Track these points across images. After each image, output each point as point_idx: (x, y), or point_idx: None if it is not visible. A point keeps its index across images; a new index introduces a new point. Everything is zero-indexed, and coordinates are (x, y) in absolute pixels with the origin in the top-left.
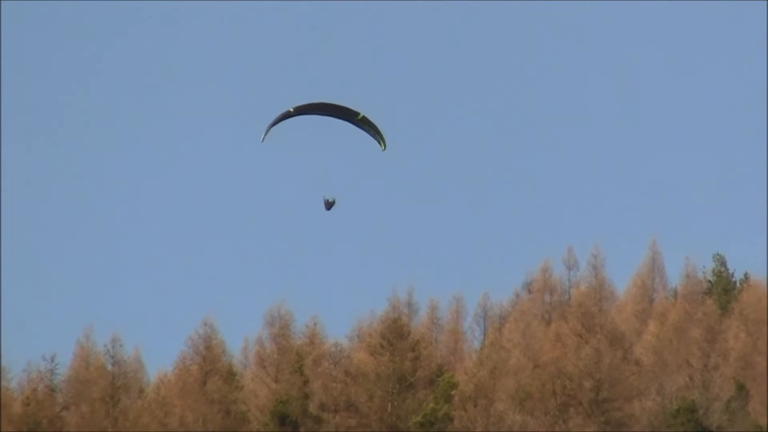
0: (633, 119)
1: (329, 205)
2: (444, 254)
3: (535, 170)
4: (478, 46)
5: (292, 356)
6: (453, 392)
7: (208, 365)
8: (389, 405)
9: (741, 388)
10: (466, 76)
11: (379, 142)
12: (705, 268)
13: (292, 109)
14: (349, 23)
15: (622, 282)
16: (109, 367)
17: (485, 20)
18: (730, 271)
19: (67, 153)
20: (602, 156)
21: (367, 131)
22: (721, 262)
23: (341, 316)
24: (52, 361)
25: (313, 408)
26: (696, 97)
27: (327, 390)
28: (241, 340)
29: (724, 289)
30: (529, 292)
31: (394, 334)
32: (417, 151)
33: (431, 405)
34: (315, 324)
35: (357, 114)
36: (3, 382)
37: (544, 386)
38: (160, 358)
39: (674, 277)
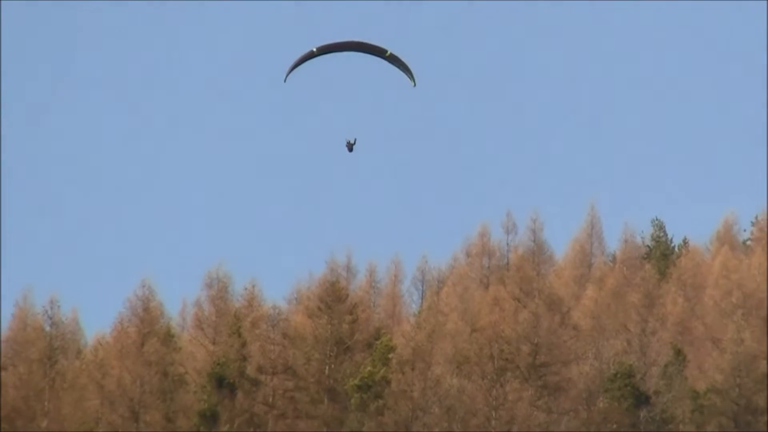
0: (572, 82)
1: (351, 146)
2: (382, 217)
3: (474, 133)
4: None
5: (230, 318)
6: (390, 356)
7: (146, 327)
8: (327, 368)
9: (678, 352)
10: (408, 41)
11: (411, 78)
12: (643, 233)
13: (315, 49)
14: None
15: (560, 246)
16: (47, 329)
17: None
18: (669, 236)
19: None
20: (542, 120)
21: (398, 67)
22: (660, 227)
23: (280, 278)
24: None
25: (250, 370)
26: (636, 62)
27: (264, 352)
28: (179, 302)
29: (662, 254)
30: (468, 255)
31: (332, 297)
32: (355, 113)
33: (369, 368)
34: (253, 286)
35: (385, 51)
36: None
37: (482, 350)
38: (97, 320)
39: (613, 242)
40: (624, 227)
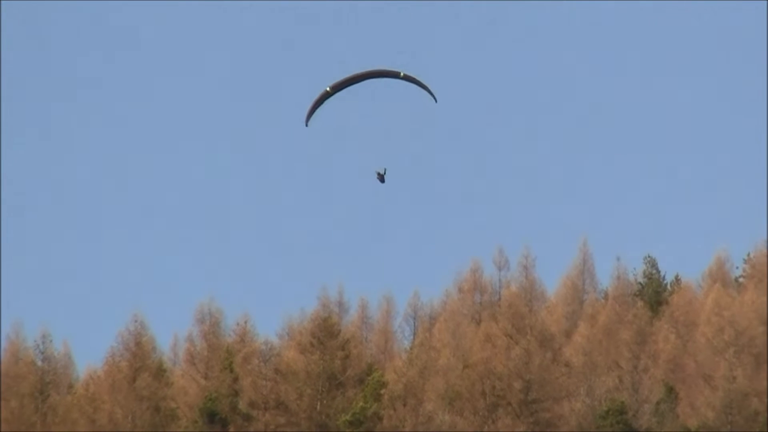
0: (564, 120)
1: (382, 177)
2: (374, 253)
3: (465, 170)
4: (414, 44)
5: (222, 353)
6: (382, 391)
7: (138, 362)
8: (318, 403)
9: (670, 390)
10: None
11: (432, 94)
12: (636, 270)
13: (329, 88)
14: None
15: (552, 283)
16: (39, 363)
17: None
18: (661, 273)
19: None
20: (534, 156)
21: (417, 84)
22: (652, 264)
23: (272, 314)
24: None
25: (242, 405)
26: (627, 98)
27: (256, 388)
28: (171, 336)
29: (654, 291)
30: (460, 291)
31: (325, 333)
32: (347, 150)
33: (360, 404)
34: (245, 321)
35: (398, 73)
36: None
37: (474, 386)
38: (89, 354)
39: (605, 279)
40: (616, 264)
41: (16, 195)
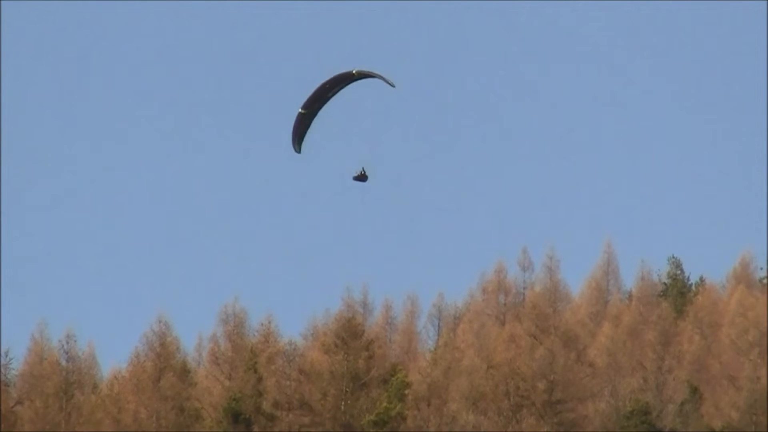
0: (588, 120)
1: (361, 177)
2: (399, 254)
3: (490, 170)
4: (434, 44)
5: (246, 354)
6: (406, 392)
7: (162, 362)
8: (343, 404)
9: (694, 390)
10: (418, 68)
11: (387, 81)
12: (660, 271)
13: (302, 110)
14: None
15: (576, 284)
16: (63, 363)
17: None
18: (686, 274)
19: (23, 149)
20: (559, 157)
21: (374, 76)
22: (677, 265)
23: (296, 314)
24: (6, 356)
25: (266, 406)
26: (650, 97)
27: (280, 388)
28: (195, 337)
29: (679, 292)
30: (484, 292)
31: (349, 333)
32: (371, 149)
33: (384, 404)
34: (269, 322)
35: (352, 73)
36: None
37: (498, 387)
38: (113, 354)
39: (629, 280)
40: (640, 265)
41: (39, 194)
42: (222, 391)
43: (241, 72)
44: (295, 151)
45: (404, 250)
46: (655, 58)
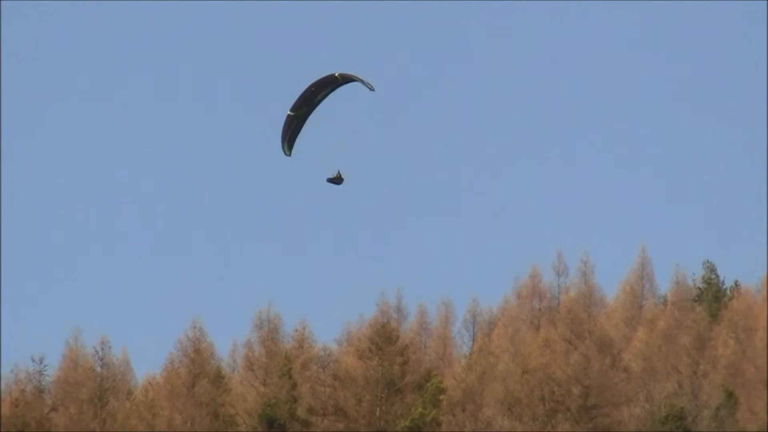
0: (622, 125)
1: (334, 180)
2: (433, 259)
3: (525, 175)
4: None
5: (280, 360)
6: (441, 397)
7: (197, 368)
8: (377, 409)
9: (730, 395)
10: (433, 70)
11: (367, 85)
12: (695, 275)
13: (290, 112)
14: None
15: (611, 288)
16: (98, 369)
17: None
18: (720, 278)
19: (52, 148)
20: (593, 161)
21: (355, 79)
22: (711, 269)
23: (330, 320)
24: (41, 363)
25: (301, 411)
26: (683, 102)
27: (315, 394)
28: (230, 342)
29: (714, 296)
30: (518, 297)
31: (383, 339)
32: (405, 154)
33: (419, 410)
34: (304, 327)
35: (335, 76)
36: None
37: (533, 392)
38: (148, 361)
39: (664, 284)
40: (675, 269)
41: (73, 201)
42: (256, 397)
43: (256, 68)
44: (285, 153)
45: (439, 255)
46: (678, 56)
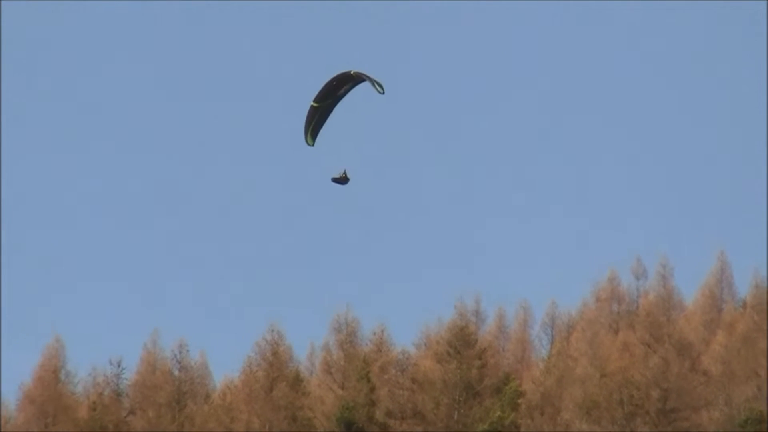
0: (697, 124)
1: (339, 180)
2: (511, 262)
3: (604, 177)
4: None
5: (358, 363)
6: (520, 400)
7: (275, 371)
8: (456, 413)
9: None
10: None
11: (375, 85)
12: None
13: (314, 103)
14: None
15: (690, 292)
16: (176, 372)
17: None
18: None
19: (128, 155)
20: (672, 165)
21: (368, 80)
22: None
23: (408, 323)
24: (119, 366)
25: (379, 415)
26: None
27: (393, 397)
28: (308, 346)
29: None
30: (597, 301)
31: (461, 342)
32: (484, 160)
33: (498, 413)
34: (382, 331)
35: (350, 74)
36: (69, 387)
37: (611, 395)
38: (226, 364)
39: (743, 288)
40: (754, 273)
41: (150, 206)
42: (335, 401)
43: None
44: (307, 143)
45: (517, 258)
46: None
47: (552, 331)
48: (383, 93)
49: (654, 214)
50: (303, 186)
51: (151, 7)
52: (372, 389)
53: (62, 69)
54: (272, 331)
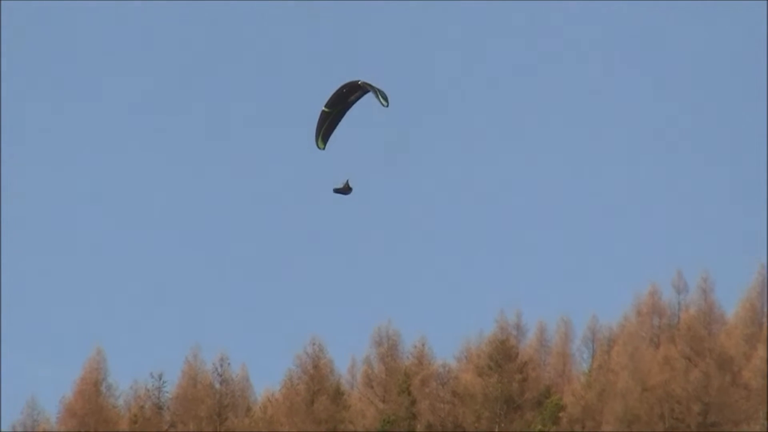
0: (747, 139)
1: (342, 190)
2: (552, 276)
3: (647, 191)
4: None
5: (399, 376)
6: (561, 414)
7: (316, 384)
8: (496, 426)
9: None
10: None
11: (379, 98)
12: None
13: (325, 108)
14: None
15: (731, 305)
16: (217, 386)
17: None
18: None
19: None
20: (715, 180)
21: (373, 91)
22: None
23: (449, 336)
24: (160, 379)
25: (420, 428)
26: None
27: (434, 411)
28: (349, 359)
29: None
30: (638, 315)
31: (502, 356)
32: (520, 172)
33: (539, 426)
34: (423, 344)
35: (358, 84)
36: (110, 400)
37: (652, 409)
38: (267, 377)
39: None
40: None
41: (192, 218)
42: (375, 414)
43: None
44: (318, 147)
45: (557, 271)
46: None
47: (593, 345)
48: (387, 106)
49: (696, 228)
50: (346, 200)
51: (151, 8)
52: (413, 402)
53: (62, 69)
54: (313, 344)
